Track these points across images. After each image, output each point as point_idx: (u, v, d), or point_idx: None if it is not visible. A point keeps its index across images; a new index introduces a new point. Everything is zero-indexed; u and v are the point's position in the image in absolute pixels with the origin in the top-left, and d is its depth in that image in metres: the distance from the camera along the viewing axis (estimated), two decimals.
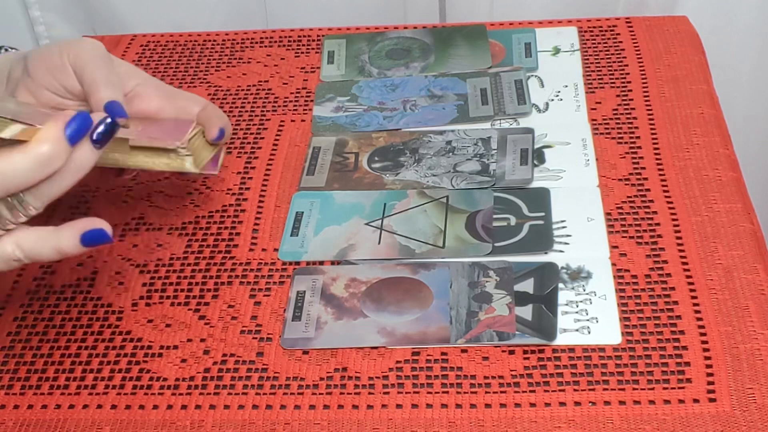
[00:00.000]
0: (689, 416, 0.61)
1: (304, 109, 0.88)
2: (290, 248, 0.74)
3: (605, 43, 0.92)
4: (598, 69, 0.89)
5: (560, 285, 0.69)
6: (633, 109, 0.84)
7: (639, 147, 0.80)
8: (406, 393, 0.64)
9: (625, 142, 0.81)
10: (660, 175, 0.77)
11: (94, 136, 0.57)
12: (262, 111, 0.88)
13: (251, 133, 0.86)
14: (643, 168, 0.78)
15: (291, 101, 0.89)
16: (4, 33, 1.17)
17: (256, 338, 0.68)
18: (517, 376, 0.64)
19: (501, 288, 0.69)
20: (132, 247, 0.76)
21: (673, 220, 0.74)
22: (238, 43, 0.97)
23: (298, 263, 0.73)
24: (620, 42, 0.92)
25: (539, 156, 0.80)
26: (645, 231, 0.73)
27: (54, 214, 0.76)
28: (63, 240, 0.58)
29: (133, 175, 0.74)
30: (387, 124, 0.85)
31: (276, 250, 0.75)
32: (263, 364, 0.66)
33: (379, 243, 0.74)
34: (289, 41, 0.96)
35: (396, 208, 0.77)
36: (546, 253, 0.72)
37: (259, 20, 1.16)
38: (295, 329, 0.68)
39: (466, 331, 0.67)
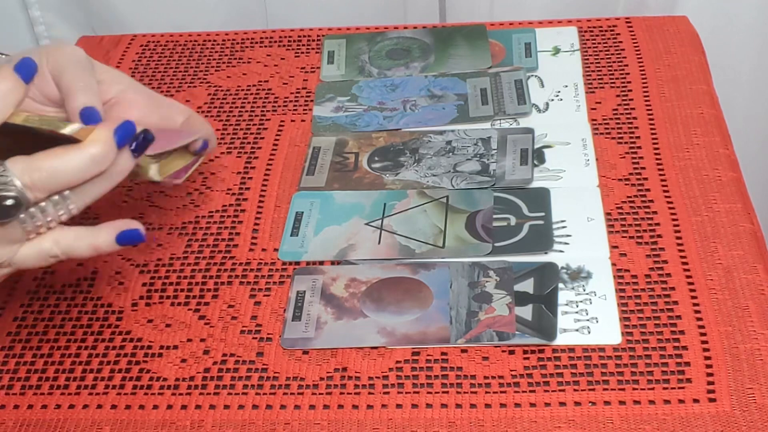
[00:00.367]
0: (689, 416, 0.61)
1: (304, 109, 0.88)
2: (290, 248, 0.74)
3: (605, 43, 0.92)
4: (598, 69, 0.89)
5: (560, 285, 0.69)
6: (633, 109, 0.84)
7: (639, 147, 0.80)
8: (406, 393, 0.64)
9: (625, 142, 0.81)
10: (660, 175, 0.77)
11: (133, 146, 0.60)
12: (262, 111, 0.88)
13: (251, 133, 0.86)
14: (643, 168, 0.78)
15: (291, 101, 0.89)
16: (4, 33, 1.17)
17: (256, 338, 0.68)
18: (517, 376, 0.64)
19: (501, 288, 0.69)
20: (132, 247, 0.76)
21: (673, 220, 0.73)
22: (238, 43, 0.97)
23: (298, 263, 0.73)
24: (620, 42, 0.92)
25: (539, 156, 0.80)
26: (645, 231, 0.73)
27: None
28: (100, 238, 0.61)
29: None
30: (387, 124, 0.85)
31: (276, 250, 0.75)
32: (263, 364, 0.66)
33: (379, 243, 0.74)
34: (289, 41, 0.96)
35: (396, 208, 0.76)
36: (546, 253, 0.72)
37: (259, 20, 1.16)
38: (295, 329, 0.68)
39: (466, 331, 0.67)
